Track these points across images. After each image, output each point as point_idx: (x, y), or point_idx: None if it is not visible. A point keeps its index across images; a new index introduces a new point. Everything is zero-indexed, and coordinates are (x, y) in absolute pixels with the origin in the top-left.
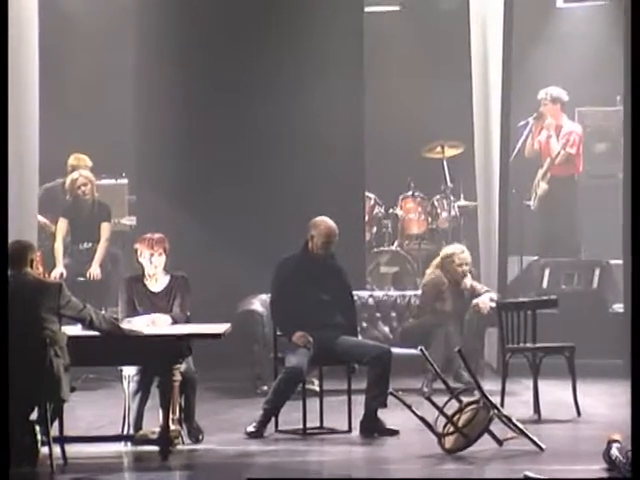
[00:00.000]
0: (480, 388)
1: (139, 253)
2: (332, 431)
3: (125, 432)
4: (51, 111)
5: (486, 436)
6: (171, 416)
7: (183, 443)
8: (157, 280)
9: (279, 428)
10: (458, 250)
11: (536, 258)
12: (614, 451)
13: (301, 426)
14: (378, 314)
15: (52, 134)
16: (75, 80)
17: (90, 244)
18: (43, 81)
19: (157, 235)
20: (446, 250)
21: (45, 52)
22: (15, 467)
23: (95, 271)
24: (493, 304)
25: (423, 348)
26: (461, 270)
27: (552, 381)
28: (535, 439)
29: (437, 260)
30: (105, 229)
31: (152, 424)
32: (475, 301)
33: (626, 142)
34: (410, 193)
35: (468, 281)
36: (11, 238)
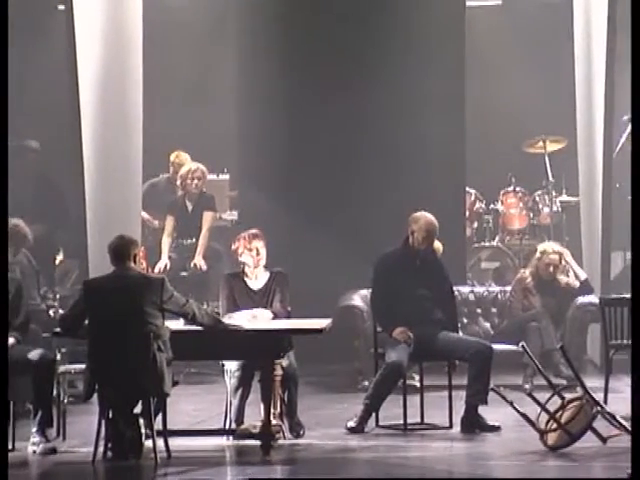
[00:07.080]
0: (583, 385)
1: (239, 251)
2: (433, 427)
3: (227, 426)
4: (154, 106)
5: (589, 433)
6: (272, 411)
7: (284, 438)
8: (257, 277)
9: (380, 423)
10: (549, 249)
11: None
12: None
13: (402, 421)
14: (479, 310)
15: (155, 130)
16: (178, 76)
17: (194, 239)
18: (147, 77)
19: (255, 231)
20: (539, 247)
21: (149, 48)
22: (120, 460)
23: (200, 262)
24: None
25: (525, 344)
26: (549, 270)
27: None
28: None
29: (534, 256)
30: (208, 217)
31: (254, 419)
32: (579, 301)
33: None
34: (511, 188)
35: (563, 278)
36: (115, 233)
